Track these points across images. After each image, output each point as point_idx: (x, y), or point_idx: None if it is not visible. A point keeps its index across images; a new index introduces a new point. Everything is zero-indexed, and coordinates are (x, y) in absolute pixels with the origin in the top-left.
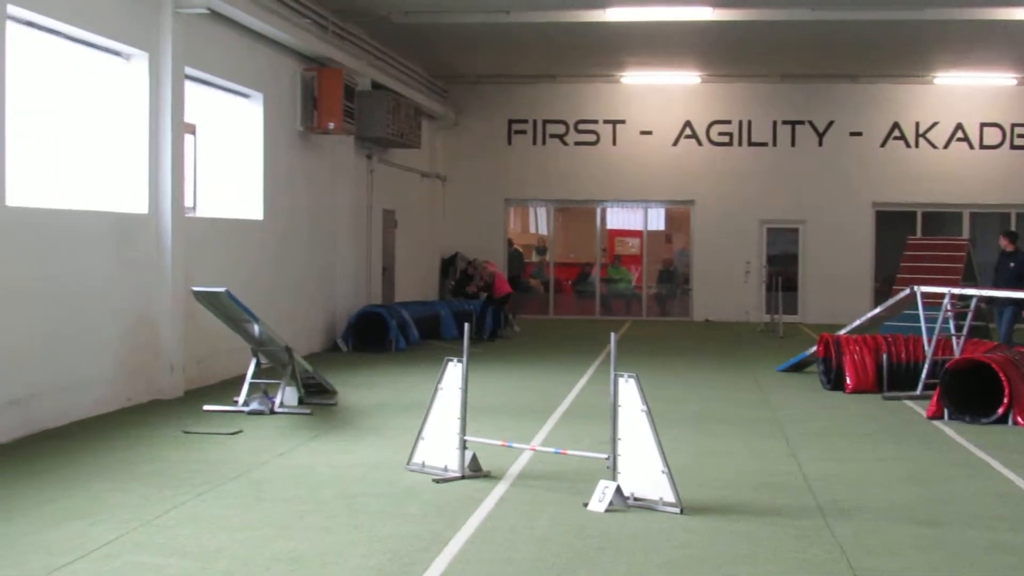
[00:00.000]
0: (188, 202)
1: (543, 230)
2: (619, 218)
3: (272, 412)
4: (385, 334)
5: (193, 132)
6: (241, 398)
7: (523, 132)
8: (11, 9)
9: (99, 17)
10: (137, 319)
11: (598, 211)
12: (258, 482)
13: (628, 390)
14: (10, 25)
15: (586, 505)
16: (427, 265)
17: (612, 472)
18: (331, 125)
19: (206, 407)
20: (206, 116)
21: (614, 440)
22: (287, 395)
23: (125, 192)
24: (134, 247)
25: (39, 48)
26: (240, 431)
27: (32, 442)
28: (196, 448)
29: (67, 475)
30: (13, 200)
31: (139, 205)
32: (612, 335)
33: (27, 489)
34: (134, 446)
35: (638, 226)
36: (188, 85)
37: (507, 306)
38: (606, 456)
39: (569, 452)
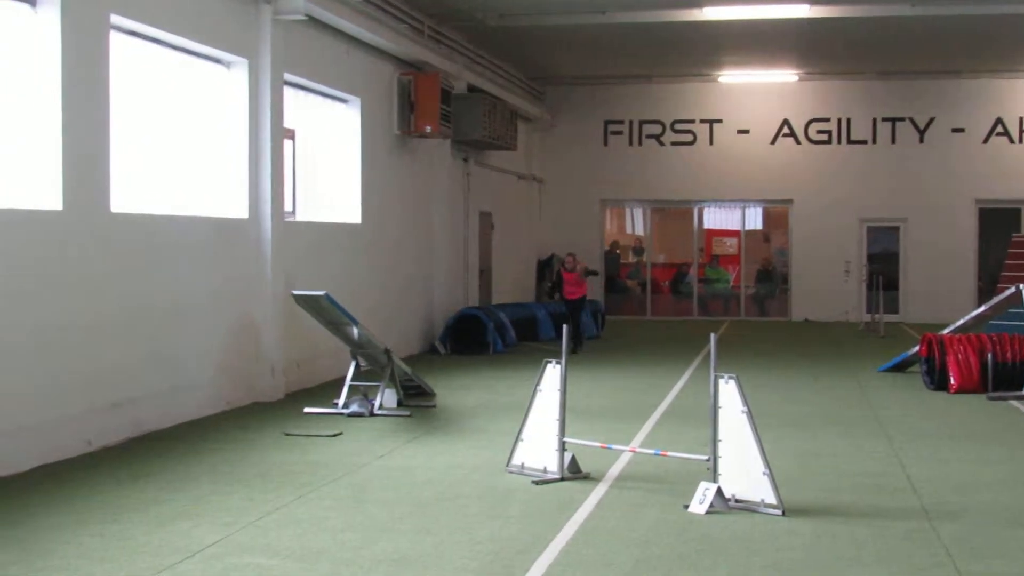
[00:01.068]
0: (287, 207)
1: (640, 231)
2: (716, 218)
3: (371, 414)
4: (483, 336)
5: (292, 137)
6: (341, 400)
7: (619, 133)
8: (115, 19)
9: (200, 25)
10: (238, 323)
11: (695, 211)
12: (358, 484)
13: (728, 391)
14: (114, 35)
15: (687, 507)
16: (524, 267)
17: (712, 474)
18: (428, 128)
19: (306, 409)
20: (305, 121)
21: (714, 441)
22: (386, 397)
23: (226, 198)
24: (235, 252)
25: (142, 57)
26: (340, 433)
27: (138, 444)
28: (297, 450)
29: (172, 477)
30: (117, 207)
31: (240, 210)
32: (712, 335)
33: (134, 491)
34: (236, 448)
35: (736, 226)
36: (287, 91)
37: (580, 313)
38: (706, 458)
39: (669, 454)
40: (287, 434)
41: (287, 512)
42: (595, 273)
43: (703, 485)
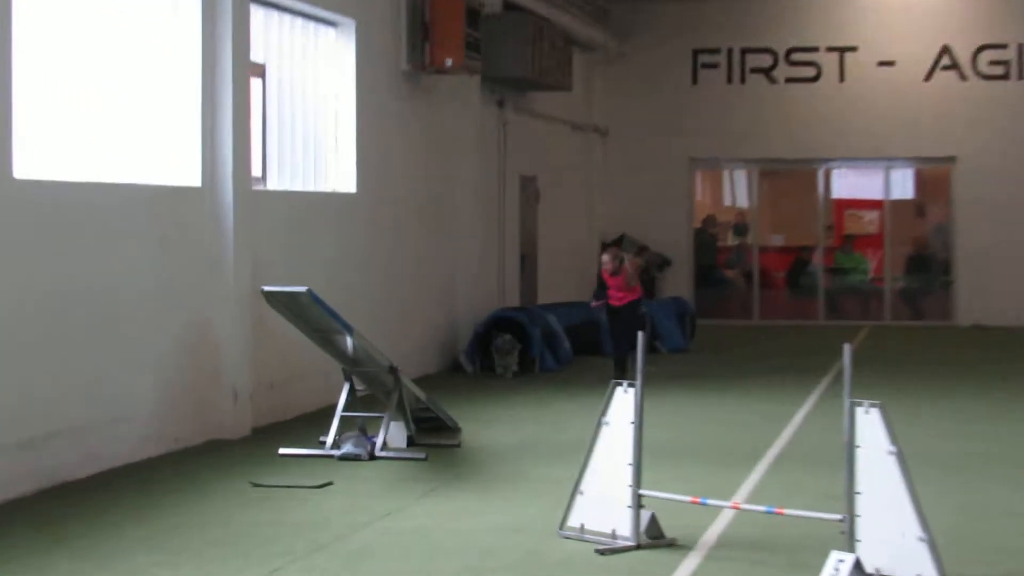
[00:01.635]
0: (255, 171)
1: (743, 202)
2: (850, 184)
3: (372, 457)
4: (525, 348)
5: (262, 75)
6: (330, 438)
7: (713, 66)
8: None
9: None
10: (188, 330)
11: (820, 174)
12: (354, 554)
13: (870, 425)
14: None
15: None
16: (582, 252)
17: (848, 539)
18: (449, 62)
19: (282, 450)
20: (279, 53)
21: (850, 494)
22: (392, 433)
23: (172, 159)
24: (184, 233)
25: None
26: (329, 483)
27: (50, 499)
28: (269, 507)
29: (95, 544)
30: (22, 172)
31: (189, 176)
32: (845, 347)
33: (44, 564)
34: (186, 504)
35: (877, 195)
36: (254, 12)
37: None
38: (840, 517)
39: (787, 511)
40: (255, 484)
41: None
42: (667, 264)
43: (835, 556)
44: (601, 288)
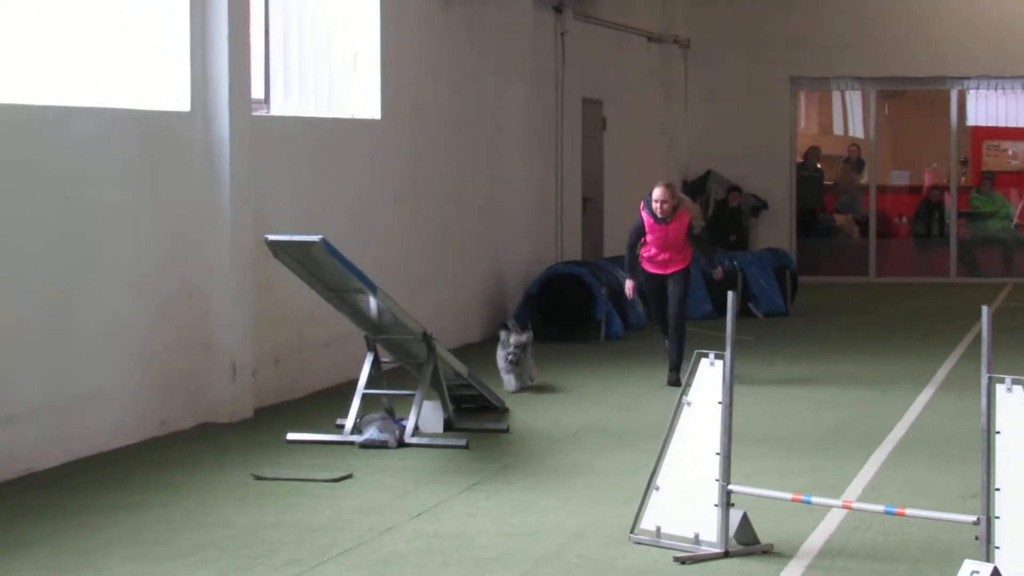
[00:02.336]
0: (256, 93)
1: (857, 131)
2: (991, 108)
3: (401, 444)
4: (588, 311)
5: None
6: (349, 421)
7: None
8: None
9: None
10: (177, 290)
11: (953, 96)
12: (379, 563)
13: (1013, 406)
14: None
15: None
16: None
17: (985, 546)
18: None
19: (290, 436)
20: None
21: (988, 492)
22: (426, 415)
23: (156, 79)
24: (170, 170)
25: None
26: (349, 476)
27: (13, 492)
28: (274, 505)
29: (67, 548)
30: None
31: (178, 99)
32: (984, 309)
33: (7, 572)
34: (173, 501)
35: None
36: None
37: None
38: (974, 519)
39: (909, 512)
40: (258, 477)
41: None
42: (763, 207)
43: (968, 566)
44: (633, 249)
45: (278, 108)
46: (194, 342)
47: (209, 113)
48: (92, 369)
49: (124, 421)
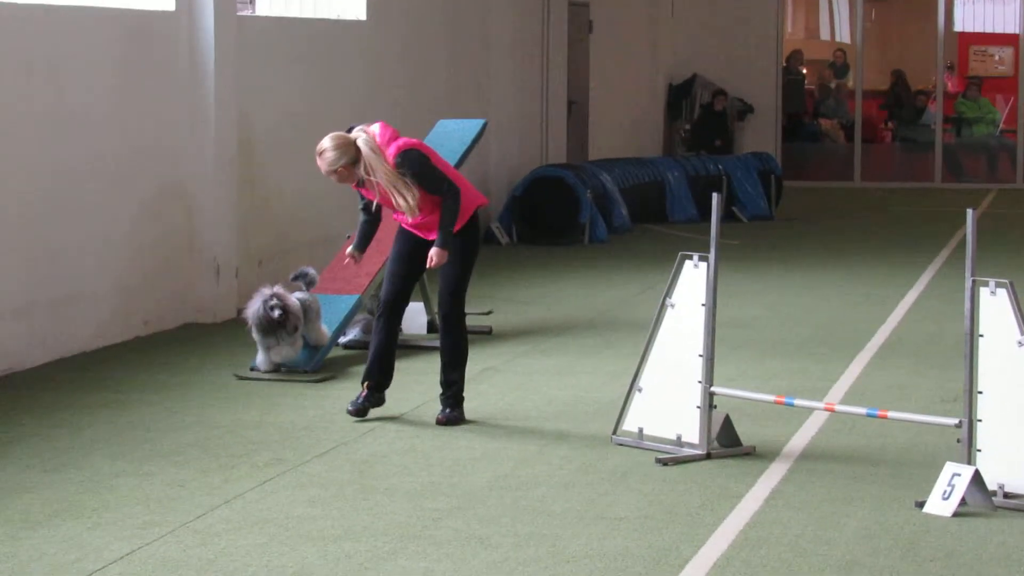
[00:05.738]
0: None
1: (843, 35)
2: (977, 13)
3: None
4: (573, 214)
5: None
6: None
7: None
8: None
9: None
10: (160, 191)
11: (940, 1)
12: (361, 461)
13: (996, 308)
14: None
15: (921, 505)
16: (645, 97)
17: (966, 449)
18: None
19: None
20: None
21: (970, 395)
22: (409, 317)
23: None
24: (153, 70)
25: None
26: (331, 376)
27: None
28: (257, 405)
29: (49, 447)
30: None
31: None
32: (968, 213)
33: None
34: (156, 401)
35: (1011, 26)
36: None
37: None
38: (955, 422)
39: (892, 415)
40: (240, 377)
41: (242, 508)
42: (748, 111)
43: (950, 468)
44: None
45: (263, 8)
46: (178, 242)
47: (194, 12)
48: (75, 269)
49: (107, 321)
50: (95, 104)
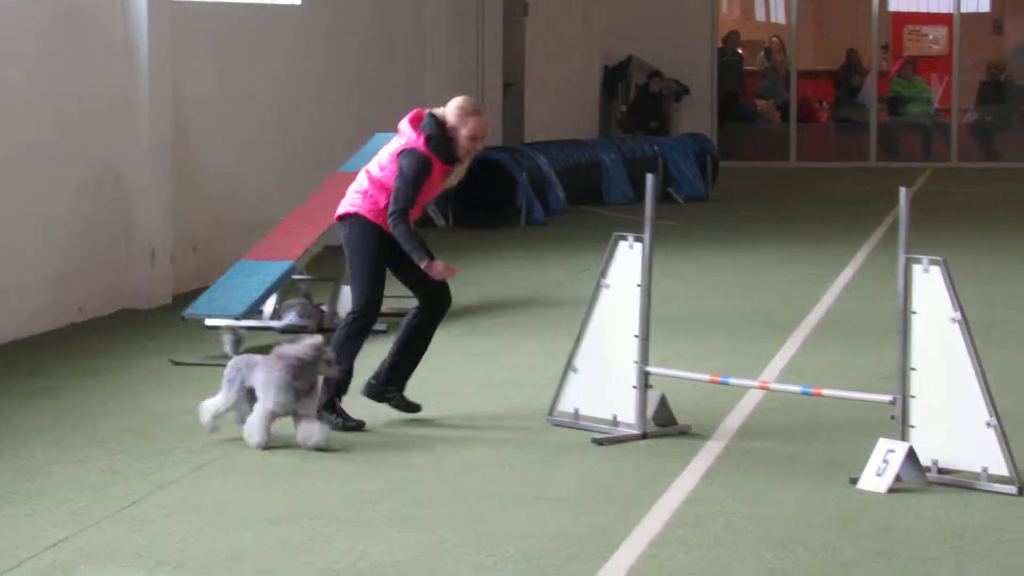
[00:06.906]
0: None
1: (779, 16)
2: None
3: (321, 329)
4: (509, 197)
5: None
6: (268, 306)
7: None
8: None
9: None
10: (94, 176)
11: None
12: (297, 446)
13: (929, 286)
14: None
15: (855, 482)
16: (580, 79)
17: (900, 426)
18: None
19: (209, 322)
20: None
21: (904, 371)
22: (345, 301)
23: None
24: (86, 54)
25: None
26: None
27: None
28: (193, 390)
29: None
30: None
31: None
32: (902, 191)
33: None
34: (91, 388)
35: (944, 7)
36: None
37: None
38: (890, 398)
39: (826, 392)
40: (176, 363)
41: (176, 493)
42: (684, 92)
43: (884, 445)
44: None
45: None
46: (113, 228)
47: None
48: (9, 256)
49: (41, 309)
50: (26, 86)
